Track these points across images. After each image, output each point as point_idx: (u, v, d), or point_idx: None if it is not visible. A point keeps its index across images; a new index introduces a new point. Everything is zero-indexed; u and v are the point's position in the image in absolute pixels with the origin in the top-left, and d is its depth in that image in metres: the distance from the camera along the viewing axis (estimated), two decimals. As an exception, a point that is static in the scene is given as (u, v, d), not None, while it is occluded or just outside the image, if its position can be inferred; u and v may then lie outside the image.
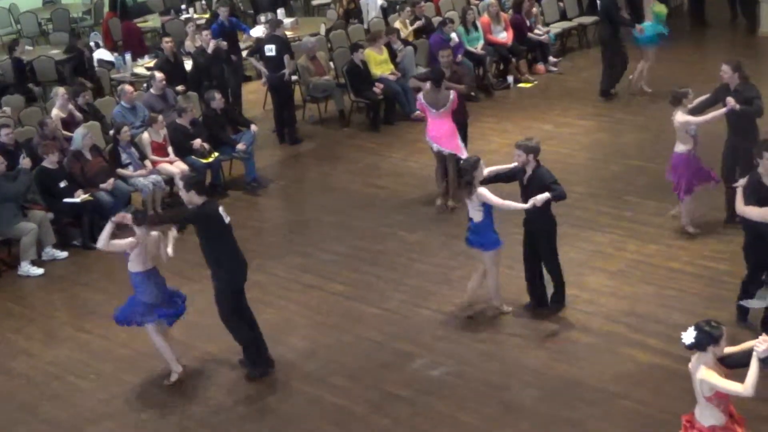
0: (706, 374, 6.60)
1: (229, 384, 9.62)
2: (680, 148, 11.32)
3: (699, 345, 6.64)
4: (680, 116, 11.17)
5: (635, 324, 9.93)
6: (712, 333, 6.61)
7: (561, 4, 20.72)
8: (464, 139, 13.16)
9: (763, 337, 6.51)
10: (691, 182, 11.35)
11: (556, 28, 20.01)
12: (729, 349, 6.77)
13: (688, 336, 6.65)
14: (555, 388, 9.09)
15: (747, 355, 6.56)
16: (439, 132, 12.70)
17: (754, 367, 6.44)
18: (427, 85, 12.83)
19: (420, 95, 12.98)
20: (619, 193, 13.01)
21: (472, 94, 13.91)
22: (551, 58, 19.10)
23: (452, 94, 12.62)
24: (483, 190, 9.76)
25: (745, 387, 6.41)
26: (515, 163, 9.86)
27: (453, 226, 11.96)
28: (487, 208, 9.84)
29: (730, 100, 11.04)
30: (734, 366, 6.68)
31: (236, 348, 10.13)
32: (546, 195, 9.54)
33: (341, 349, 10.07)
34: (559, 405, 8.82)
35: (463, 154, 12.34)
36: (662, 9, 16.22)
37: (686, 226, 11.64)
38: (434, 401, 9.05)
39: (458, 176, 9.99)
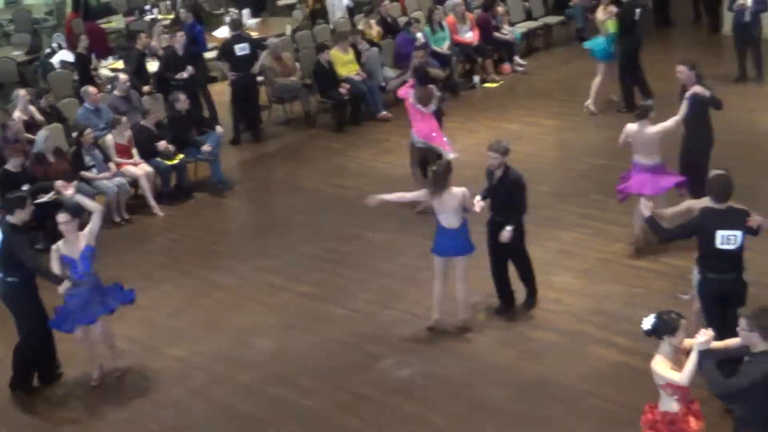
0: (655, 363, 6.86)
1: (197, 387, 9.55)
2: (653, 159, 11.01)
3: (655, 332, 6.87)
4: (652, 128, 10.95)
5: (602, 322, 9.96)
6: (669, 323, 6.82)
7: (526, 3, 20.78)
8: None
9: (703, 331, 6.72)
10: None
11: (522, 27, 20.05)
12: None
13: (647, 321, 6.89)
14: (523, 387, 9.10)
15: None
16: (430, 129, 12.83)
17: (692, 358, 6.65)
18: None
19: (410, 96, 12.96)
20: (585, 192, 13.04)
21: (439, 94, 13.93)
22: (517, 58, 19.13)
23: (436, 90, 12.88)
24: (465, 190, 9.76)
25: (681, 376, 6.70)
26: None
27: (420, 226, 11.91)
28: (464, 211, 9.83)
29: (698, 87, 11.23)
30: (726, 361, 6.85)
31: (204, 351, 10.10)
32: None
33: (309, 351, 10.02)
34: (527, 404, 8.83)
35: (449, 150, 12.61)
36: (614, 26, 16.06)
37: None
38: (403, 401, 9.03)
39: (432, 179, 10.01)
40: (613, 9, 15.72)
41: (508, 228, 9.87)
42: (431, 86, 12.97)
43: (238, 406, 9.22)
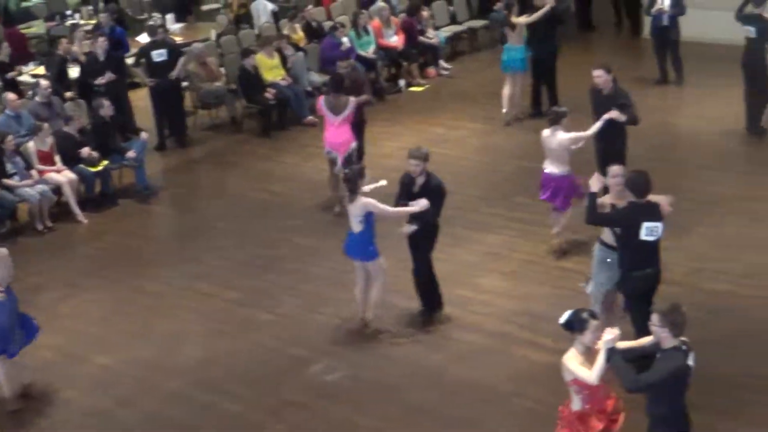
0: (567, 357, 7.01)
1: (124, 395, 9.46)
2: (562, 169, 11.14)
3: (568, 326, 7.05)
4: (564, 135, 11.06)
5: (530, 324, 10.06)
6: (580, 319, 6.98)
7: (451, 8, 20.91)
8: (361, 140, 13.21)
9: (609, 330, 6.88)
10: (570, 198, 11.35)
11: (447, 31, 20.16)
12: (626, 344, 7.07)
13: (564, 315, 7.07)
14: (452, 389, 9.17)
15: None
16: (338, 139, 12.67)
17: (600, 357, 6.81)
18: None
19: (321, 101, 12.91)
20: (510, 194, 13.16)
21: (370, 101, 14.04)
22: (442, 62, 19.24)
23: (351, 101, 12.63)
24: (370, 200, 9.71)
25: (590, 374, 6.86)
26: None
27: (347, 230, 11.97)
28: (369, 220, 9.77)
29: (614, 113, 11.26)
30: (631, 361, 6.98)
31: (131, 358, 10.01)
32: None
33: (237, 356, 9.99)
34: (456, 406, 8.90)
35: (339, 164, 12.55)
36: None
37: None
38: (331, 406, 9.05)
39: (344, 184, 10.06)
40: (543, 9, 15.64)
41: (413, 226, 9.88)
42: (350, 97, 12.68)
43: (167, 413, 9.16)
